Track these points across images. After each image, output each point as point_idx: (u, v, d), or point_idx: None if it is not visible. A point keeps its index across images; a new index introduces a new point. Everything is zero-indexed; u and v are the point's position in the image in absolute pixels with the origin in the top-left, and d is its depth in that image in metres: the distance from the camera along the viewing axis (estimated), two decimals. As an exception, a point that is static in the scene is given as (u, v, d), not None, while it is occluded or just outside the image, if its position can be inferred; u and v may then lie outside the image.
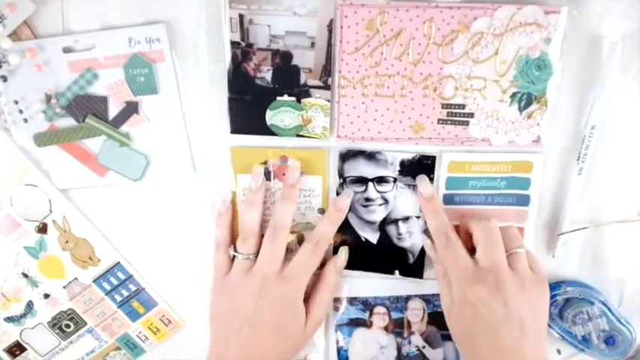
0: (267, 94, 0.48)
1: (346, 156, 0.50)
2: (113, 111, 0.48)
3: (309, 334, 0.50)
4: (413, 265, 0.53)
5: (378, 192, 0.51)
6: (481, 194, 0.51)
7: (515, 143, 0.49)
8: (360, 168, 0.50)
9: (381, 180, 0.51)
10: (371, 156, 0.50)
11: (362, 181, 0.51)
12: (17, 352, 0.55)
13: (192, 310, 0.55)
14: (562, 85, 0.48)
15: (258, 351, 0.47)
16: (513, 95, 0.48)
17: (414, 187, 0.51)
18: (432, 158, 0.50)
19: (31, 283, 0.53)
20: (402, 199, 0.51)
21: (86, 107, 0.48)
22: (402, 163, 0.50)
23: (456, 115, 0.49)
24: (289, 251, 0.50)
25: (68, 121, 0.48)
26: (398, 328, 0.55)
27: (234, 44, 0.47)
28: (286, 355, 0.49)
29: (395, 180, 0.51)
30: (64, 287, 0.53)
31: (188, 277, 0.53)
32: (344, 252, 0.51)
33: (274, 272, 0.48)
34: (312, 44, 0.47)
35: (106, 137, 0.48)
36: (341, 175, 0.51)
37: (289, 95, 0.48)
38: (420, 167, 0.50)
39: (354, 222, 0.52)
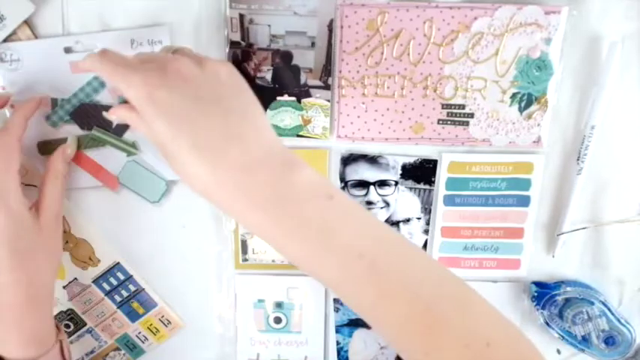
0: (267, 94, 0.48)
1: (348, 160, 0.50)
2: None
3: (49, 230, 0.45)
4: (413, 265, 0.53)
5: (380, 195, 0.51)
6: (482, 195, 0.51)
7: (516, 144, 0.49)
8: (362, 172, 0.50)
9: (382, 184, 0.51)
10: (373, 160, 0.50)
11: (363, 184, 0.51)
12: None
13: (191, 311, 0.54)
14: (562, 85, 0.48)
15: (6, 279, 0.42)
16: (513, 96, 0.48)
17: (415, 190, 0.51)
18: (434, 162, 0.50)
19: (31, 284, 0.53)
20: (403, 202, 0.51)
21: (92, 116, 0.48)
22: (404, 167, 0.50)
23: (456, 116, 0.49)
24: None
25: (73, 128, 0.48)
26: (398, 328, 0.55)
27: (234, 44, 0.47)
28: (44, 264, 0.45)
29: (396, 183, 0.51)
30: (64, 287, 0.53)
31: (188, 278, 0.53)
32: (73, 141, 0.47)
33: None
34: (313, 44, 0.47)
35: (126, 154, 0.49)
36: (342, 179, 0.51)
37: (289, 95, 0.48)
38: (421, 171, 0.50)
39: (355, 224, 0.52)
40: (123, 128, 0.49)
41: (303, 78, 0.48)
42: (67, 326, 0.54)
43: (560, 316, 0.52)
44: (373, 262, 0.35)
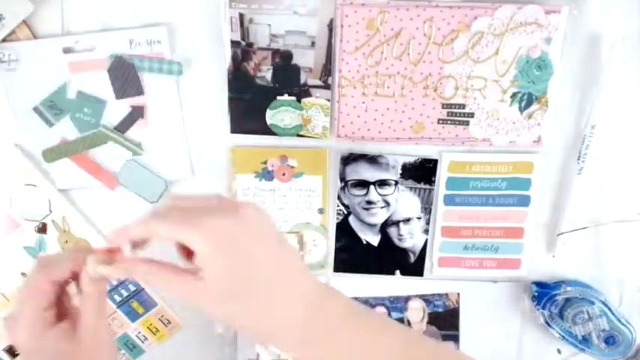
0: (267, 94, 0.48)
1: (348, 159, 0.50)
2: (117, 116, 0.48)
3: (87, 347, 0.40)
4: (413, 265, 0.53)
5: (380, 195, 0.51)
6: (482, 195, 0.51)
7: (516, 143, 0.49)
8: (362, 171, 0.50)
9: (382, 183, 0.51)
10: (373, 160, 0.50)
11: (363, 184, 0.51)
12: (17, 352, 0.55)
13: (191, 311, 0.54)
14: (562, 85, 0.48)
15: None
16: (514, 95, 0.48)
17: (415, 189, 0.51)
18: (434, 161, 0.50)
19: (31, 283, 0.53)
20: (403, 201, 0.51)
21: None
22: (404, 167, 0.50)
23: (457, 115, 0.49)
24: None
25: (67, 124, 0.48)
26: (398, 327, 0.55)
27: (234, 44, 0.47)
28: None
29: (396, 183, 0.51)
30: (64, 287, 0.53)
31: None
32: (91, 261, 0.41)
33: None
34: (313, 43, 0.47)
35: (132, 153, 0.49)
36: (342, 178, 0.51)
37: (289, 95, 0.48)
38: (421, 170, 0.50)
39: (355, 225, 0.52)
40: (126, 124, 0.49)
41: (303, 77, 0.48)
42: (67, 326, 0.54)
43: (561, 315, 0.52)
44: None
